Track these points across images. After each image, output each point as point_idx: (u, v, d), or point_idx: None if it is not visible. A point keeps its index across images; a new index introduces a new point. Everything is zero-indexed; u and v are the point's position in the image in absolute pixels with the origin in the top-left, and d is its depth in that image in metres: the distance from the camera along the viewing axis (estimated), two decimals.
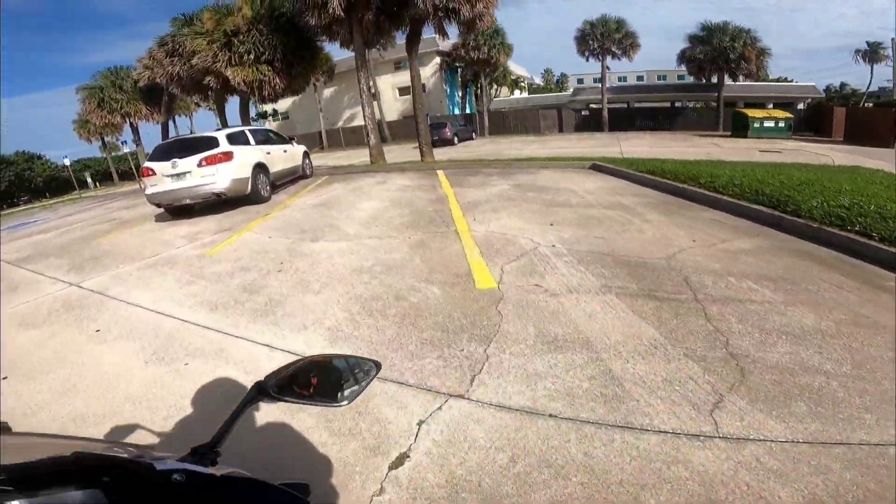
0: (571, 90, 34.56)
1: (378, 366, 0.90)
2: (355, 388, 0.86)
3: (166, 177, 7.98)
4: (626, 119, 29.15)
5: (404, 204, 7.02)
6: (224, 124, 17.32)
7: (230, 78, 13.79)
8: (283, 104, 40.94)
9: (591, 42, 27.79)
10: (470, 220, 5.56)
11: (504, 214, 5.76)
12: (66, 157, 27.68)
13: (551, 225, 5.13)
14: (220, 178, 7.85)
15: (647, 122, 28.75)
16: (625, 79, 40.50)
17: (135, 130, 25.08)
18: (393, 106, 34.75)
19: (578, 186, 7.37)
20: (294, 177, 11.05)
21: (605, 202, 6.14)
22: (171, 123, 24.55)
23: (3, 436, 0.77)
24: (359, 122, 37.75)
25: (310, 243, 5.28)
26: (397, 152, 18.01)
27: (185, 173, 7.89)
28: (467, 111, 35.03)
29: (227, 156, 7.97)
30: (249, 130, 9.38)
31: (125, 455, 0.68)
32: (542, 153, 13.59)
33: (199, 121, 39.73)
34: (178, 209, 8.23)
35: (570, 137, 23.91)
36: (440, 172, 10.25)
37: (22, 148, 34.49)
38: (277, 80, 14.44)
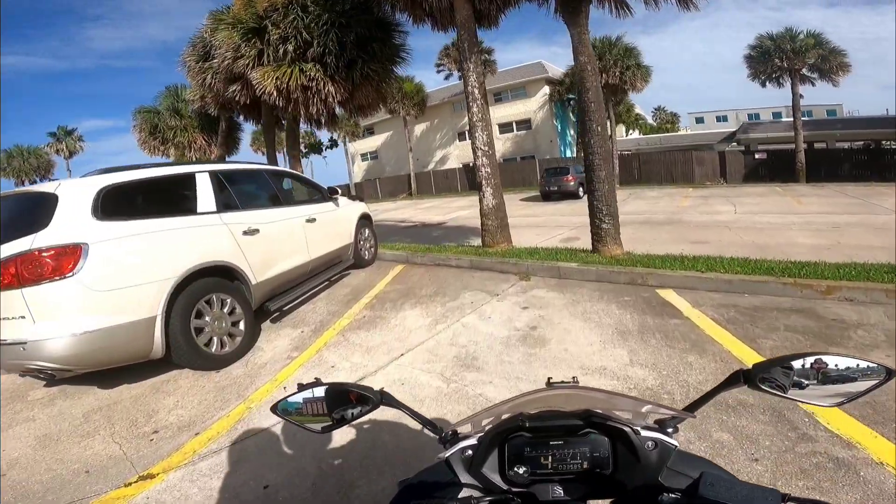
0: (740, 125, 26.15)
1: (890, 373, 0.67)
2: (850, 390, 0.70)
3: None
4: (825, 163, 20.26)
5: None
6: (273, 162, 12.34)
7: (255, 83, 8.62)
8: (374, 142, 37.51)
9: (776, 60, 20.03)
10: None
11: None
12: None
13: None
14: (44, 329, 2.08)
15: (863, 170, 19.56)
16: (834, 112, 30.76)
17: None
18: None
19: None
20: (335, 272, 5.16)
21: None
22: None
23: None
24: (451, 164, 32.48)
25: None
26: (507, 209, 11.66)
27: None
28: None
29: (68, 257, 2.15)
30: (213, 173, 3.72)
31: (620, 415, 0.71)
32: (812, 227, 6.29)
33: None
34: None
35: (759, 191, 15.91)
36: (683, 303, 3.57)
37: None
38: (331, 88, 8.97)
